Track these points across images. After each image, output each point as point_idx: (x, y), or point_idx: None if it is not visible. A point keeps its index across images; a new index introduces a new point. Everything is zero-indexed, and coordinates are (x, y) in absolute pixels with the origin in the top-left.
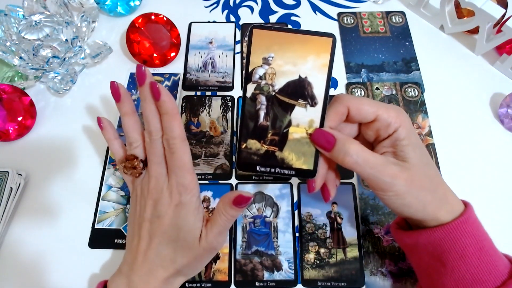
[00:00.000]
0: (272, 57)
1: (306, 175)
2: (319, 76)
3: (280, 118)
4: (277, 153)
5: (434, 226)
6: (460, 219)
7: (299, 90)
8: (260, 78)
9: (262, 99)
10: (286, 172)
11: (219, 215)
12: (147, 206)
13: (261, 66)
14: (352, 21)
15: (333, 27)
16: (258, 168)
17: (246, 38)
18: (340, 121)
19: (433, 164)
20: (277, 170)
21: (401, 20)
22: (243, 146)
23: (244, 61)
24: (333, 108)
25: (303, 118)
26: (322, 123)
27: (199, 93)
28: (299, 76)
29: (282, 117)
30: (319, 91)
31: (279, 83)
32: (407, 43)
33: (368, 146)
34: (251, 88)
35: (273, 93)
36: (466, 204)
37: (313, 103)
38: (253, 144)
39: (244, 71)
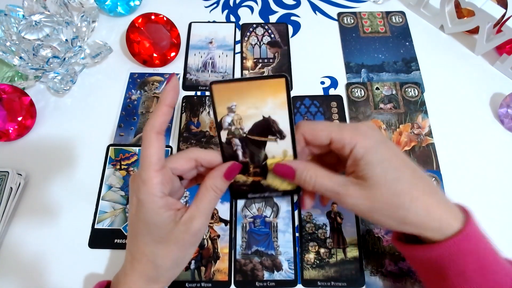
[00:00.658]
0: (235, 105)
1: (292, 193)
2: (280, 112)
3: (256, 154)
4: (262, 181)
5: (430, 243)
6: (456, 237)
7: (265, 128)
8: (229, 124)
9: (236, 141)
10: (274, 194)
11: (209, 191)
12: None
13: (227, 114)
14: (352, 21)
15: (333, 27)
16: (249, 195)
17: (208, 94)
18: (302, 148)
19: (407, 179)
20: (266, 194)
21: (401, 20)
22: (233, 181)
23: (242, 63)
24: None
25: (277, 150)
26: (295, 151)
27: (199, 93)
28: (263, 117)
29: (258, 153)
30: (284, 125)
31: (247, 126)
32: (407, 43)
33: (342, 167)
34: (224, 134)
35: (244, 135)
36: (465, 212)
37: (282, 137)
38: (240, 177)
39: (214, 121)
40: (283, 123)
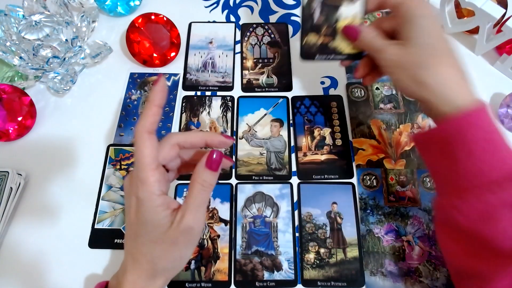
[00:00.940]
0: None
1: (354, 58)
2: None
3: (330, 15)
4: (330, 43)
5: (442, 122)
6: (468, 111)
7: None
8: None
9: (315, 4)
10: (339, 57)
11: (195, 185)
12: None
13: None
14: None
15: None
16: (317, 56)
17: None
18: (371, 10)
19: (441, 50)
20: (332, 56)
21: None
22: (304, 41)
23: (242, 62)
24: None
25: (348, 13)
26: (363, 15)
27: (199, 93)
28: None
29: (332, 14)
30: None
31: None
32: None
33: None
34: None
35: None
36: (482, 103)
37: (353, 1)
38: (313, 37)
39: None
40: None
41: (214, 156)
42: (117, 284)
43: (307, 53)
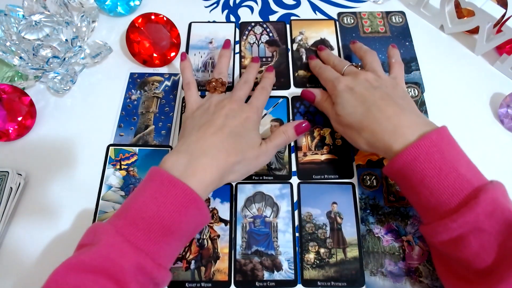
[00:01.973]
0: (304, 31)
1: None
2: (331, 36)
3: None
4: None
5: (392, 157)
6: (410, 146)
7: (321, 43)
8: (299, 41)
9: (302, 50)
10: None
11: (280, 134)
12: (225, 107)
13: (298, 35)
14: (352, 21)
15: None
16: (307, 85)
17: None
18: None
19: (359, 113)
20: (319, 85)
21: (401, 20)
22: (296, 74)
23: (240, 61)
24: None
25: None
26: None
27: (199, 92)
28: (321, 38)
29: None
30: (333, 42)
31: (310, 42)
32: (407, 43)
33: None
34: (295, 45)
35: (308, 46)
36: (436, 130)
37: (332, 49)
38: (302, 72)
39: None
40: (332, 42)
41: (304, 125)
42: (190, 160)
43: (299, 83)
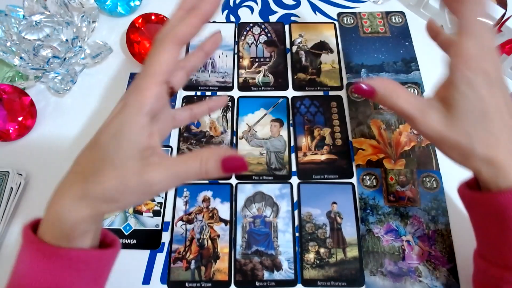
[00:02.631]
0: (304, 33)
1: (337, 89)
2: (331, 39)
3: (314, 60)
4: (316, 79)
5: (497, 191)
6: None
7: (321, 46)
8: (299, 43)
9: (301, 52)
10: (324, 89)
11: (195, 160)
12: None
13: (298, 37)
14: (352, 21)
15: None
16: (306, 88)
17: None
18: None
19: (490, 127)
20: (318, 88)
21: (401, 20)
22: (295, 77)
23: (238, 62)
24: None
25: (328, 59)
26: (339, 61)
27: (199, 93)
28: (320, 40)
29: (315, 60)
30: (333, 45)
31: (309, 45)
32: (406, 43)
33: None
34: (294, 48)
35: (307, 49)
36: None
37: (331, 51)
38: (301, 75)
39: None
40: (332, 44)
41: (235, 163)
42: (47, 206)
43: (298, 87)
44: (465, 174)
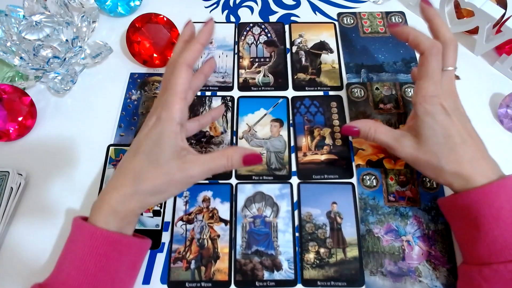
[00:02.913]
0: (303, 33)
1: (337, 89)
2: (331, 39)
3: (314, 60)
4: (316, 79)
5: (469, 189)
6: (496, 182)
7: (321, 46)
8: (299, 43)
9: (301, 52)
10: (324, 89)
11: (222, 158)
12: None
13: (297, 38)
14: (352, 21)
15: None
16: (306, 88)
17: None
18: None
19: (451, 146)
20: (318, 88)
21: (400, 20)
22: (295, 77)
23: (238, 62)
24: None
25: (328, 59)
26: (339, 61)
27: (199, 93)
28: (320, 41)
29: (315, 60)
30: (333, 45)
31: (309, 45)
32: (406, 43)
33: None
34: (294, 48)
35: (307, 49)
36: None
37: (331, 51)
38: (301, 75)
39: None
40: (331, 43)
41: (256, 158)
42: (97, 202)
43: (298, 87)
44: None
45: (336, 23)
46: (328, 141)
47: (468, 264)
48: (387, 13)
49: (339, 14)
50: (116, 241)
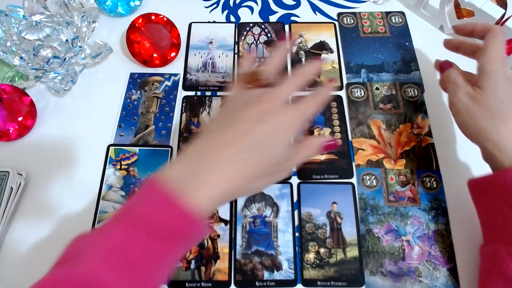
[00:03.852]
0: (303, 33)
1: (337, 89)
2: (331, 39)
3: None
4: (316, 79)
5: (507, 168)
6: None
7: (321, 46)
8: (299, 43)
9: (302, 52)
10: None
11: (306, 149)
12: (258, 106)
13: (297, 37)
14: (352, 21)
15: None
16: (306, 88)
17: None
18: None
19: (507, 97)
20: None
21: (401, 20)
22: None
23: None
24: None
25: (328, 59)
26: (339, 61)
27: (199, 93)
28: (320, 40)
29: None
30: (333, 45)
31: (309, 45)
32: (406, 43)
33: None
34: (294, 48)
35: (307, 49)
36: None
37: (331, 51)
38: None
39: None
40: (332, 44)
41: (332, 143)
42: (194, 171)
43: None
44: (465, 174)
45: (336, 23)
46: None
47: (495, 243)
48: (387, 13)
49: (339, 14)
50: (198, 227)
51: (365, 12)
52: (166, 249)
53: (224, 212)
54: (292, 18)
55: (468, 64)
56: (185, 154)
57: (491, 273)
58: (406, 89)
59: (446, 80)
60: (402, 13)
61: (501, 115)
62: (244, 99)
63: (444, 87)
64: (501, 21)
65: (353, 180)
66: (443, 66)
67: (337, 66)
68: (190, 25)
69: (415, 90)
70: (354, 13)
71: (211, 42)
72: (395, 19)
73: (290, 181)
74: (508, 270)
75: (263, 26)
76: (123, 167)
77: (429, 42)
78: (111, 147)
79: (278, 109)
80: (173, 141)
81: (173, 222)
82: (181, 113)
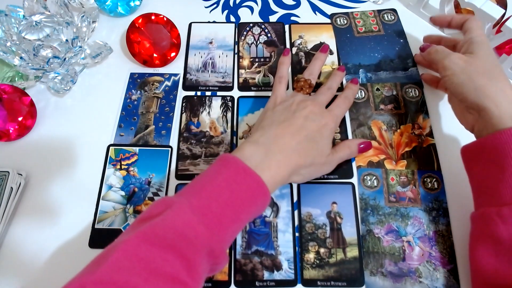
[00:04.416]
0: (303, 34)
1: (337, 90)
2: (330, 40)
3: None
4: (316, 80)
5: (499, 130)
6: None
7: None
8: (299, 44)
9: (301, 53)
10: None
11: (345, 147)
12: (306, 109)
13: (298, 39)
14: (345, 22)
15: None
16: None
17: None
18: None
19: (497, 63)
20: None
21: (393, 17)
22: (295, 78)
23: (238, 62)
24: None
25: (327, 60)
26: (339, 63)
27: (199, 93)
28: (320, 42)
29: None
30: (332, 46)
31: (309, 46)
32: (401, 40)
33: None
34: (294, 49)
35: (307, 50)
36: None
37: (331, 53)
38: (301, 76)
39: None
40: (332, 46)
41: (365, 145)
42: (266, 153)
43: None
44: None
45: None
46: None
47: (485, 206)
48: (379, 11)
49: (332, 15)
50: (267, 199)
51: (357, 11)
52: (245, 207)
53: None
54: (292, 18)
55: None
56: (254, 138)
57: (481, 235)
58: (407, 90)
59: (433, 51)
60: (394, 10)
61: (495, 75)
62: (294, 101)
63: (429, 62)
64: (501, 21)
65: (353, 180)
66: (424, 47)
67: (337, 67)
68: (190, 25)
69: (416, 90)
70: (347, 13)
71: (211, 42)
72: (387, 16)
73: None
74: (498, 232)
75: (263, 26)
76: (123, 167)
77: (423, 38)
78: (111, 147)
79: (321, 112)
80: (173, 141)
81: (253, 189)
82: (181, 113)
